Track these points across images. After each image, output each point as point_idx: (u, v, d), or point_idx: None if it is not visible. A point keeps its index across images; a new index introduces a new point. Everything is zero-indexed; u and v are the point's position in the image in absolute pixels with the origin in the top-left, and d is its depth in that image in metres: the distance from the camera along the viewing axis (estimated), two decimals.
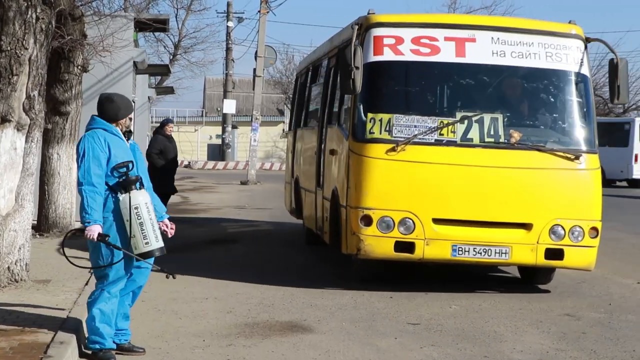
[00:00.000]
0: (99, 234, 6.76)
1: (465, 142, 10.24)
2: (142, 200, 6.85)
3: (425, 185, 10.11)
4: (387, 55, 10.40)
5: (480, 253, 10.07)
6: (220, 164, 50.56)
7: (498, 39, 10.52)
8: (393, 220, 10.01)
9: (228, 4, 51.18)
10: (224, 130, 53.91)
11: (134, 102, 21.37)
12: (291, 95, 64.85)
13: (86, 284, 9.48)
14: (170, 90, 40.63)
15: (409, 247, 10.07)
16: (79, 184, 6.80)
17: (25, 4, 8.92)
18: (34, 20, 8.99)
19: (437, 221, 10.09)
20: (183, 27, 50.30)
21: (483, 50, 10.50)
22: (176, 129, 58.11)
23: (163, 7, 59.30)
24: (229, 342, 7.89)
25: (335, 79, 12.00)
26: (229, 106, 42.98)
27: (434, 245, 10.05)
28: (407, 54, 10.40)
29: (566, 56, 10.58)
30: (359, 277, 10.90)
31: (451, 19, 10.73)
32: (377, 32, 10.44)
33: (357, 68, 9.94)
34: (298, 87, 16.24)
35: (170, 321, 8.64)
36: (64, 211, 13.98)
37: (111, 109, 7.01)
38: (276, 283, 10.91)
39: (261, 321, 8.75)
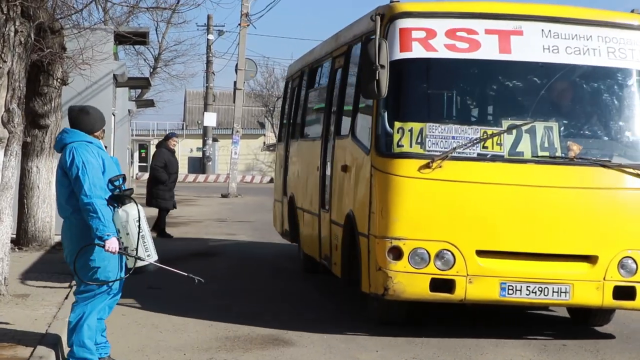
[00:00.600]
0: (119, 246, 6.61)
1: (515, 157, 8.45)
2: (142, 214, 6.69)
3: (466, 210, 8.32)
4: (417, 52, 8.60)
5: (535, 293, 8.28)
6: (201, 177, 50.45)
7: (550, 31, 8.71)
8: (428, 253, 8.26)
9: (208, 17, 51.18)
10: (204, 143, 53.84)
11: (113, 115, 21.28)
12: (272, 108, 64.86)
13: (66, 298, 9.34)
14: (150, 103, 40.49)
15: (447, 285, 8.28)
16: (87, 197, 6.51)
17: (4, 17, 8.83)
18: (12, 34, 8.90)
19: (481, 253, 8.31)
20: (163, 40, 50.18)
21: (532, 46, 8.68)
22: (156, 141, 58.10)
23: (143, 20, 59.23)
24: (209, 355, 7.78)
25: (344, 81, 10.25)
26: (210, 119, 42.92)
27: (479, 283, 8.27)
28: (441, 50, 8.60)
29: (632, 52, 8.75)
30: (380, 321, 9.04)
31: (492, 7, 8.83)
32: (404, 23, 8.61)
33: (382, 67, 8.21)
34: (289, 94, 14.17)
35: (150, 335, 8.51)
36: (44, 225, 13.78)
37: (88, 121, 6.84)
38: (257, 296, 10.86)
39: (242, 334, 8.61)
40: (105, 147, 7.06)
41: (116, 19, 26.15)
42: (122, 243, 6.68)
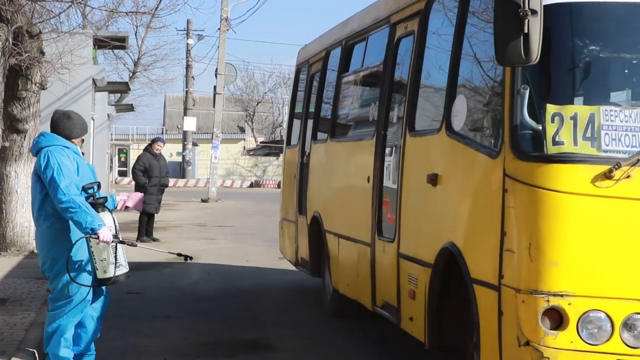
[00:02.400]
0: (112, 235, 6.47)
1: None
2: (114, 223, 6.59)
3: None
4: None
5: None
6: (181, 182, 50.33)
7: None
8: (610, 319, 5.15)
9: (188, 22, 51.16)
10: (184, 148, 53.75)
11: (93, 119, 21.24)
12: (252, 112, 64.60)
13: (44, 302, 9.32)
14: (130, 108, 40.41)
15: None
16: (65, 195, 6.32)
17: None
18: None
19: None
20: (143, 44, 50.12)
21: None
22: (136, 146, 57.95)
23: (122, 24, 59.12)
24: None
25: (420, 52, 7.20)
26: (190, 123, 42.83)
27: None
28: None
29: None
30: None
31: None
32: None
33: (533, 13, 5.09)
34: (307, 83, 11.17)
35: (131, 340, 8.39)
36: (22, 230, 13.71)
37: (67, 125, 6.73)
38: (238, 301, 10.82)
39: (223, 339, 8.50)
40: (83, 153, 6.96)
41: (95, 24, 26.10)
42: (92, 252, 6.49)
